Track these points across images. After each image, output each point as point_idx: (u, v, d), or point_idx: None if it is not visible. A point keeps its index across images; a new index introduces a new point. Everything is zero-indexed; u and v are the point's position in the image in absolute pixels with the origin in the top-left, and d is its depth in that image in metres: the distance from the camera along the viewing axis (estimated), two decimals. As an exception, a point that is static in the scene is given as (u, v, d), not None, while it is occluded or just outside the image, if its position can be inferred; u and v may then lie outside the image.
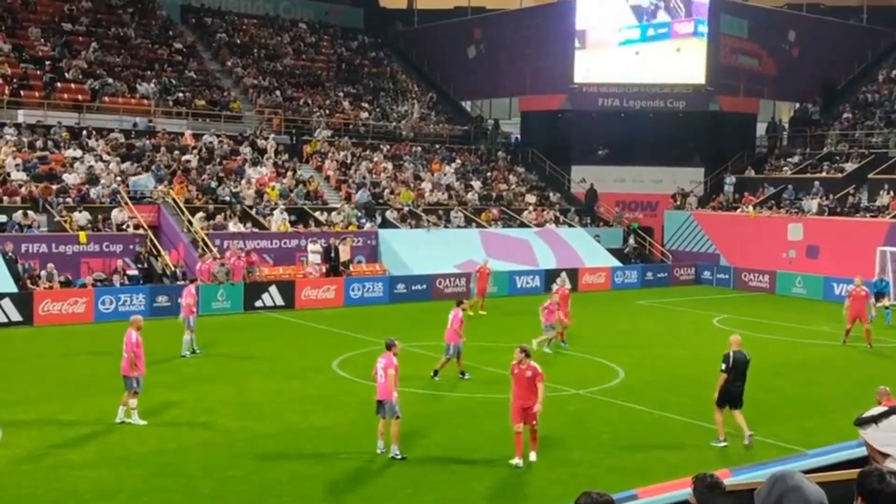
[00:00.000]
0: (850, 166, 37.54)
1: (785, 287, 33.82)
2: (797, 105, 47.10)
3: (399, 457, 12.67)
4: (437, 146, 42.49)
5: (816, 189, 36.10)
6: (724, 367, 13.48)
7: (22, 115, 32.40)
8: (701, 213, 38.98)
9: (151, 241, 28.09)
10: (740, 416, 13.52)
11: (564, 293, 22.68)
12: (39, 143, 31.14)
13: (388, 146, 40.47)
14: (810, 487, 3.17)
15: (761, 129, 45.49)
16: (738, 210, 37.84)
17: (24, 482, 11.52)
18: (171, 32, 42.12)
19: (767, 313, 28.59)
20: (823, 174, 37.75)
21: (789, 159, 40.85)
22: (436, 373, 18.09)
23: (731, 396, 13.50)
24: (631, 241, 39.02)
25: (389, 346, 13.30)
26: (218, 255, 27.41)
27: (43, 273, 25.12)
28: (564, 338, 22.14)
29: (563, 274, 24.95)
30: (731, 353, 13.54)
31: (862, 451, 5.01)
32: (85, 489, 11.30)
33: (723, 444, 13.57)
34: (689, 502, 4.17)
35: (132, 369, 14.12)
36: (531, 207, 38.48)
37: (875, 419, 4.00)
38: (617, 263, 36.00)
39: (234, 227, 29.99)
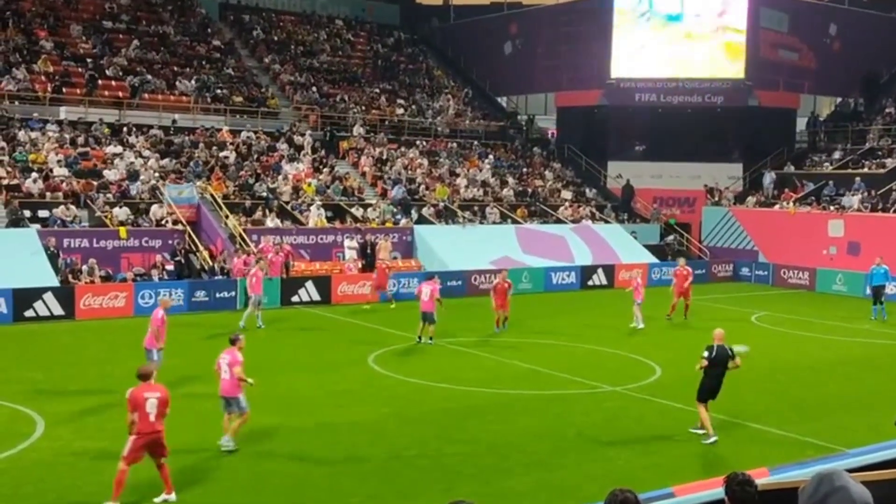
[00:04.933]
0: (892, 162, 36.91)
1: (825, 284, 33.36)
2: (838, 100, 46.39)
3: (231, 448, 12.52)
4: (473, 142, 42.48)
5: (858, 185, 35.54)
6: (707, 354, 13.52)
7: (64, 112, 32.91)
8: (739, 209, 38.56)
9: (190, 236, 28.40)
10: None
11: (502, 287, 23.46)
12: (81, 140, 31.62)
13: (423, 142, 40.53)
14: (857, 488, 3.13)
15: (801, 123, 44.87)
16: (778, 206, 37.38)
17: (65, 474, 11.71)
18: (209, 30, 42.52)
19: (807, 311, 28.24)
20: (865, 170, 37.16)
21: (830, 155, 40.27)
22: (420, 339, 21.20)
23: (712, 389, 13.63)
24: (670, 237, 38.71)
25: (233, 342, 12.96)
26: (255, 251, 27.63)
27: (84, 267, 25.49)
28: (499, 324, 23.50)
29: (504, 270, 25.48)
30: (715, 346, 13.57)
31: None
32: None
33: (713, 439, 13.48)
34: (724, 501, 4.17)
35: (156, 342, 16.05)
36: (567, 203, 38.32)
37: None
38: (654, 260, 35.73)
39: (270, 222, 30.24)
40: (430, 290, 21.33)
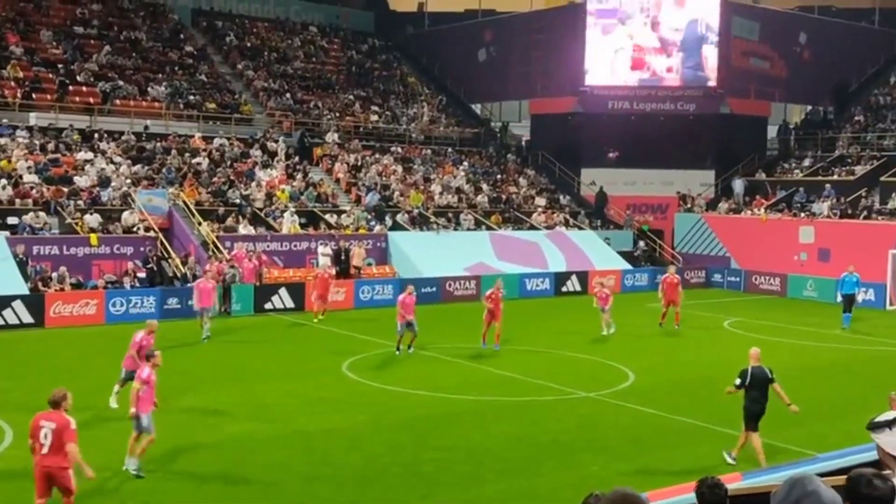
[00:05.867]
0: (861, 169, 37.40)
1: (796, 290, 33.69)
2: (809, 108, 46.92)
3: (136, 472, 11.75)
4: (447, 149, 42.53)
5: (828, 192, 35.96)
6: (738, 382, 12.62)
7: (34, 118, 32.57)
8: (711, 215, 38.87)
9: (162, 243, 28.18)
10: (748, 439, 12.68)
11: (497, 296, 21.87)
12: (51, 146, 31.29)
13: (398, 149, 40.52)
14: (827, 493, 3.15)
15: (772, 131, 45.34)
16: (749, 213, 37.71)
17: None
18: (182, 36, 42.28)
19: (778, 316, 28.48)
20: (835, 177, 37.61)
21: (801, 162, 40.73)
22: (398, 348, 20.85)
23: (757, 414, 12.57)
24: (641, 244, 38.96)
25: (148, 357, 12.45)
26: (228, 258, 27.48)
27: (54, 275, 25.21)
28: (486, 340, 21.79)
29: (499, 280, 23.83)
30: (751, 368, 12.64)
31: (873, 455, 4.99)
32: (96, 490, 11.33)
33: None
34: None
35: (133, 364, 15.00)
36: (541, 210, 38.44)
37: (889, 424, 4.00)
38: (627, 266, 35.94)
39: (244, 229, 30.08)
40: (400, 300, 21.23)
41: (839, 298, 27.33)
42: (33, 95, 33.34)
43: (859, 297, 27.92)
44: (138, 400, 11.78)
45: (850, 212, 34.60)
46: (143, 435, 11.83)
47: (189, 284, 26.49)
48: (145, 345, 15.13)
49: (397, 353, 20.82)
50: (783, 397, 12.73)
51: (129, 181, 30.47)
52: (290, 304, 27.65)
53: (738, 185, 39.61)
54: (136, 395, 11.82)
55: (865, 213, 34.23)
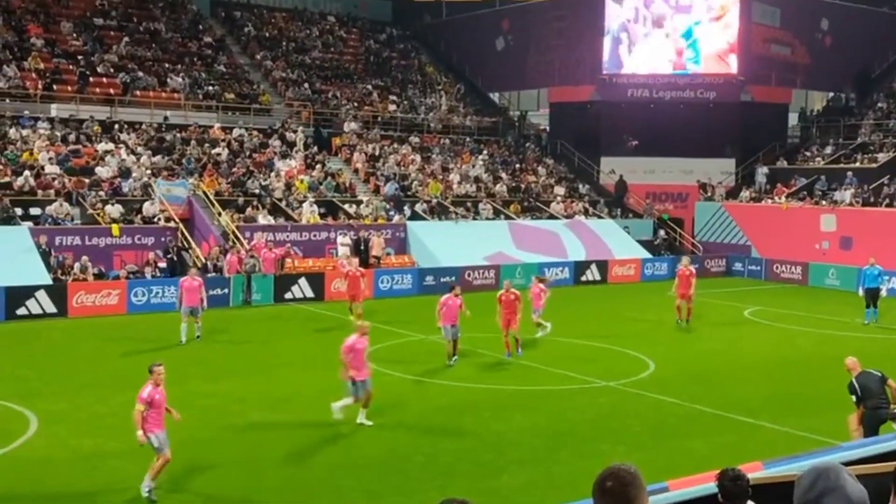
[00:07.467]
0: (883, 156, 37.03)
1: (818, 279, 33.46)
2: (830, 94, 46.48)
3: (148, 495, 10.69)
4: (466, 138, 42.48)
5: (850, 179, 35.65)
6: (854, 398, 11.66)
7: (55, 109, 32.80)
8: (732, 204, 38.64)
9: (182, 233, 28.35)
10: None
11: (510, 298, 19.36)
12: (72, 137, 31.53)
13: (416, 138, 40.51)
14: (854, 487, 3.09)
15: (794, 118, 44.93)
16: (770, 201, 37.45)
17: (61, 472, 11.69)
18: (200, 26, 42.40)
19: (800, 305, 28.31)
20: (857, 164, 37.27)
21: (822, 150, 40.39)
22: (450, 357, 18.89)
23: (882, 422, 11.56)
24: (661, 232, 38.78)
25: (150, 372, 10.99)
26: (248, 248, 27.61)
27: (77, 265, 25.42)
28: (509, 347, 19.72)
29: (507, 281, 21.30)
30: (855, 380, 11.73)
31: (895, 445, 4.97)
32: (120, 479, 11.44)
33: None
34: (717, 495, 4.21)
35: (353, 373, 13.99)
36: (560, 199, 38.33)
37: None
38: (647, 255, 35.81)
39: (263, 219, 30.20)
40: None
41: (861, 292, 25.87)
42: (54, 87, 33.56)
43: (883, 290, 26.47)
44: (144, 421, 10.66)
45: (872, 200, 34.29)
46: (158, 455, 10.84)
47: (210, 274, 26.67)
48: (359, 348, 14.06)
49: (449, 363, 18.83)
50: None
51: (149, 172, 30.66)
52: (309, 293, 27.76)
53: (760, 173, 39.32)
54: (140, 416, 10.63)
55: (888, 200, 33.89)
